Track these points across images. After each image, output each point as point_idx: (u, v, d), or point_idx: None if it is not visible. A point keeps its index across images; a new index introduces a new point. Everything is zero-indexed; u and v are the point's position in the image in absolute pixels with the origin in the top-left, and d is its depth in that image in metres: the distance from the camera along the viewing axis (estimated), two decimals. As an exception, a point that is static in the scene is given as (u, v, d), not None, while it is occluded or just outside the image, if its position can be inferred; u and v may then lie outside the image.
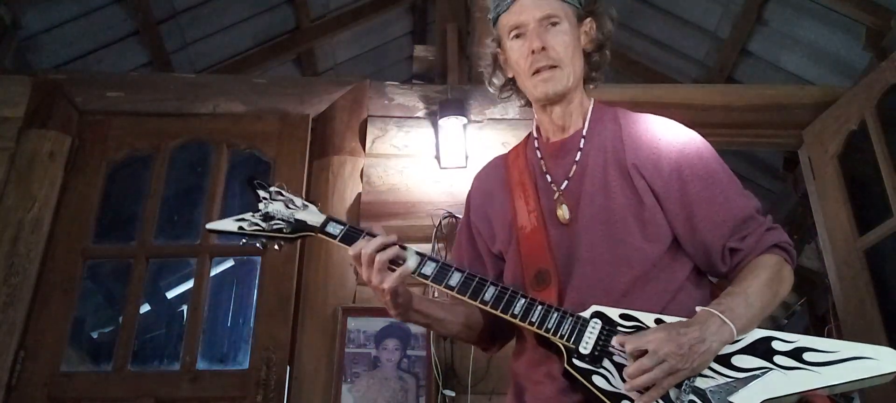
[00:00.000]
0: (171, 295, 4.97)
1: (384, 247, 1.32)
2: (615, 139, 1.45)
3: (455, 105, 3.07)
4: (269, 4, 4.29)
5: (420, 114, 3.19)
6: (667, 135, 1.45)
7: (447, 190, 3.00)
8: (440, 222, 2.88)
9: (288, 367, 2.71)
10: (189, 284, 3.67)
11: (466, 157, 3.05)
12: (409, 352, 2.70)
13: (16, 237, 2.80)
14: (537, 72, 1.44)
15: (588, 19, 1.50)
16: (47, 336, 2.72)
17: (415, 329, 2.72)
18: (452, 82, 3.33)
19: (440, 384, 2.62)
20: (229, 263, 4.74)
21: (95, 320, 4.36)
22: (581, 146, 1.46)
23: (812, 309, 4.92)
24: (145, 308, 4.24)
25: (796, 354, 1.24)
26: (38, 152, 2.95)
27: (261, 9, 4.27)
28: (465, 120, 3.05)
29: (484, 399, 2.65)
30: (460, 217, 2.85)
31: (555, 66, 1.43)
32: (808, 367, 1.23)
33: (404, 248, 1.35)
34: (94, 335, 4.37)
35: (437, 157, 3.07)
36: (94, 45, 3.85)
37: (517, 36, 1.46)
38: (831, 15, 3.60)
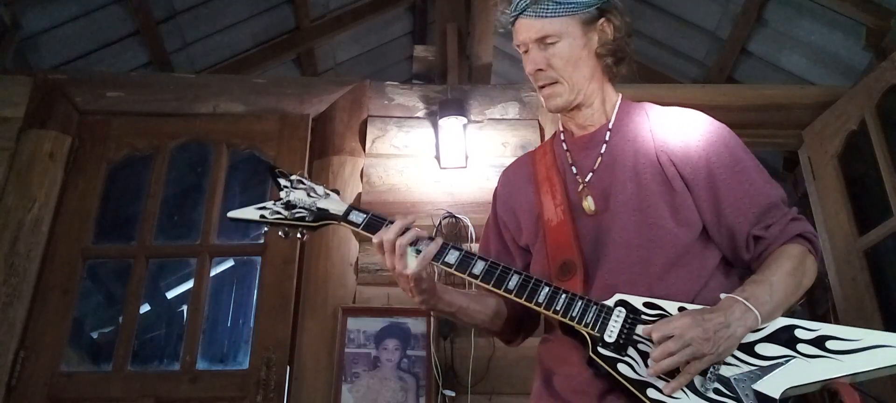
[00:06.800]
0: (171, 295, 4.98)
1: (404, 231, 1.32)
2: (643, 130, 1.49)
3: (455, 105, 3.07)
4: (269, 4, 4.29)
5: (420, 114, 3.19)
6: (695, 125, 1.48)
7: (447, 190, 2.99)
8: (440, 222, 2.88)
9: (288, 367, 2.71)
10: (189, 284, 3.67)
11: (466, 157, 3.05)
12: (409, 352, 2.70)
13: (16, 237, 2.80)
14: (541, 88, 1.49)
15: (600, 20, 1.50)
16: (47, 337, 2.73)
17: (415, 329, 2.72)
18: (452, 82, 3.32)
19: (440, 384, 2.62)
20: (229, 263, 4.75)
21: (95, 320, 4.36)
22: (606, 138, 1.50)
23: (812, 309, 4.92)
24: (145, 308, 4.25)
25: (819, 342, 1.25)
26: (38, 152, 2.95)
27: (261, 9, 4.27)
28: (464, 120, 3.05)
29: (484, 399, 2.65)
30: (460, 217, 2.88)
31: (555, 83, 1.47)
32: (830, 355, 1.23)
33: (430, 238, 1.35)
34: (94, 335, 4.38)
35: (437, 157, 3.07)
36: (94, 45, 3.85)
37: (525, 52, 1.50)
38: (831, 15, 3.60)
